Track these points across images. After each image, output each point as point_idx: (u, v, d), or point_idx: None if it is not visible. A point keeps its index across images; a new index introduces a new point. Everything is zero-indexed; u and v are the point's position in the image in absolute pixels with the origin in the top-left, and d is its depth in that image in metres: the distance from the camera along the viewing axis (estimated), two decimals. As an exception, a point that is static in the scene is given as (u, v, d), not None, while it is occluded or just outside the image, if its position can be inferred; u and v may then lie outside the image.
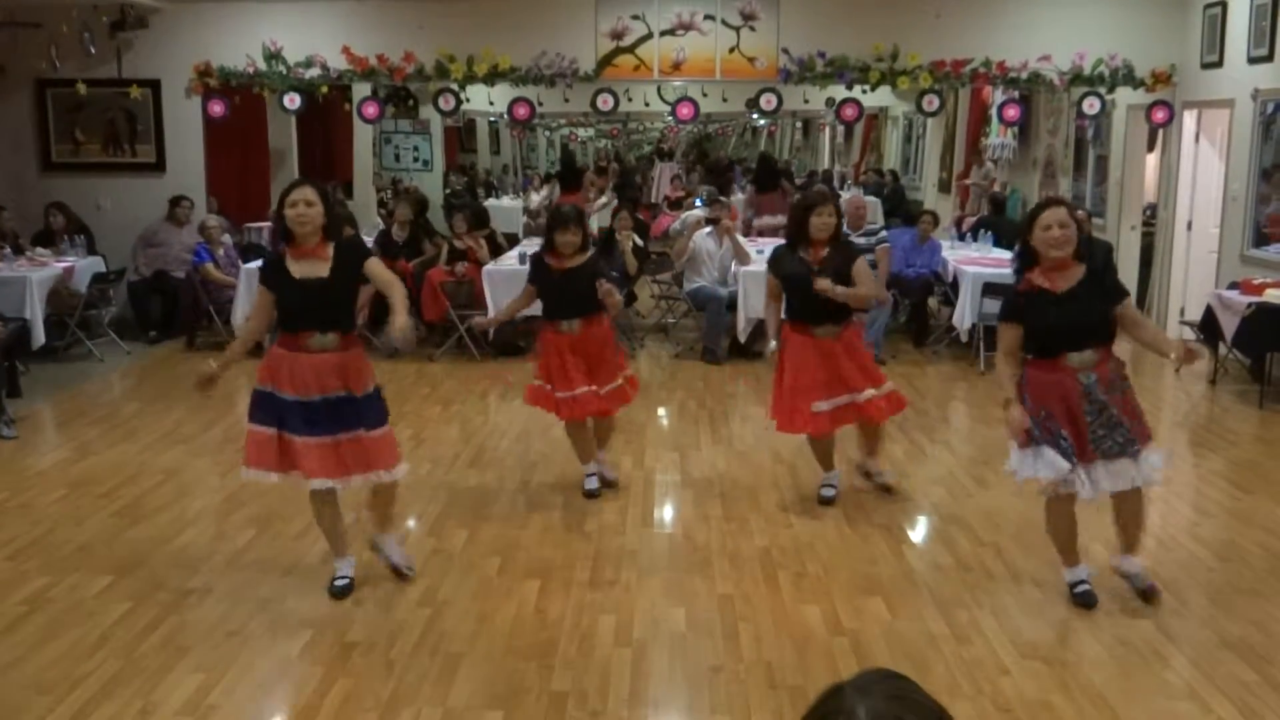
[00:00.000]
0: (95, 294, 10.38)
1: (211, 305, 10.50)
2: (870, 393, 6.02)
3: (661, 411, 8.56)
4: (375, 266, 5.03)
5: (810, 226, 5.96)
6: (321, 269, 4.85)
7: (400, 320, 4.87)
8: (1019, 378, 4.82)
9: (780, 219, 13.41)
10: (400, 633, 4.67)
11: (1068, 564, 5.04)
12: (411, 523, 6.01)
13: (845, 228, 10.30)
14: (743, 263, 10.19)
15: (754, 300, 10.00)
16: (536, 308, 6.44)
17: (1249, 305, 8.47)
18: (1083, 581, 5.00)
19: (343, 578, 5.09)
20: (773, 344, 6.20)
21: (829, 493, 6.30)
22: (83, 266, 10.44)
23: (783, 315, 6.21)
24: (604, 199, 14.64)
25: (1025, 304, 4.80)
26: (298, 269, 4.86)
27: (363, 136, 15.24)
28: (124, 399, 8.92)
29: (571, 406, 6.17)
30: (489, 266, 10.25)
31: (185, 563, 5.41)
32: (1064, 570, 5.05)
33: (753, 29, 11.33)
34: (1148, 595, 4.97)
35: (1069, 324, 4.72)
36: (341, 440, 4.89)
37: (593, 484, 6.38)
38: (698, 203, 14.79)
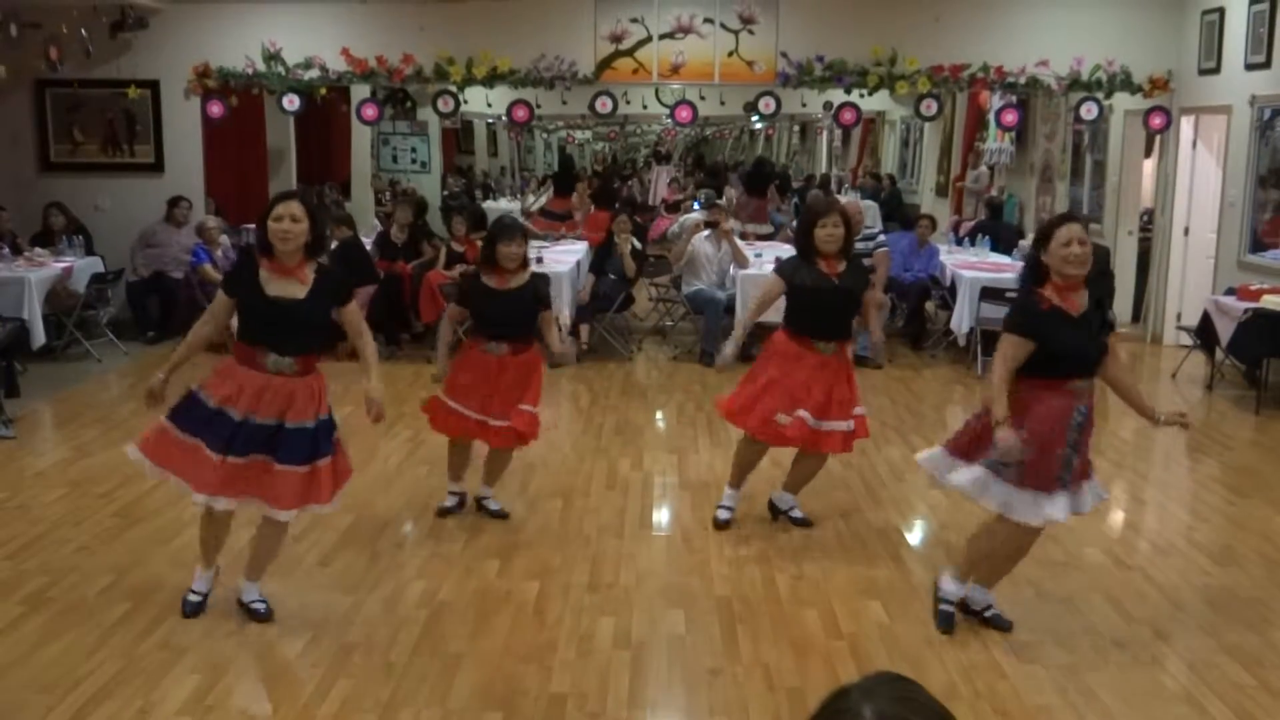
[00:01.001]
0: (93, 294, 10.38)
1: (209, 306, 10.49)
2: (836, 425, 5.67)
3: (659, 414, 8.58)
4: (352, 315, 4.82)
5: (815, 239, 5.66)
6: (298, 290, 4.57)
7: (375, 393, 4.76)
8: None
9: (765, 227, 13.41)
10: (400, 634, 4.68)
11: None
12: (409, 525, 6.01)
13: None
14: (741, 266, 10.22)
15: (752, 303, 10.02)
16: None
17: (1246, 311, 8.49)
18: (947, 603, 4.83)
19: (195, 595, 4.89)
20: (728, 351, 5.90)
21: (724, 515, 6.03)
22: (81, 267, 10.43)
23: (781, 324, 5.93)
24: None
25: (1042, 321, 4.44)
26: (273, 286, 4.55)
27: (361, 138, 15.24)
28: (122, 399, 8.92)
29: (456, 424, 5.87)
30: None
31: (184, 563, 5.40)
32: (972, 585, 4.83)
33: (751, 33, 11.35)
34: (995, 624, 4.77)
35: (1088, 350, 4.48)
36: (253, 462, 4.55)
37: (450, 502, 6.14)
38: (696, 206, 14.83)
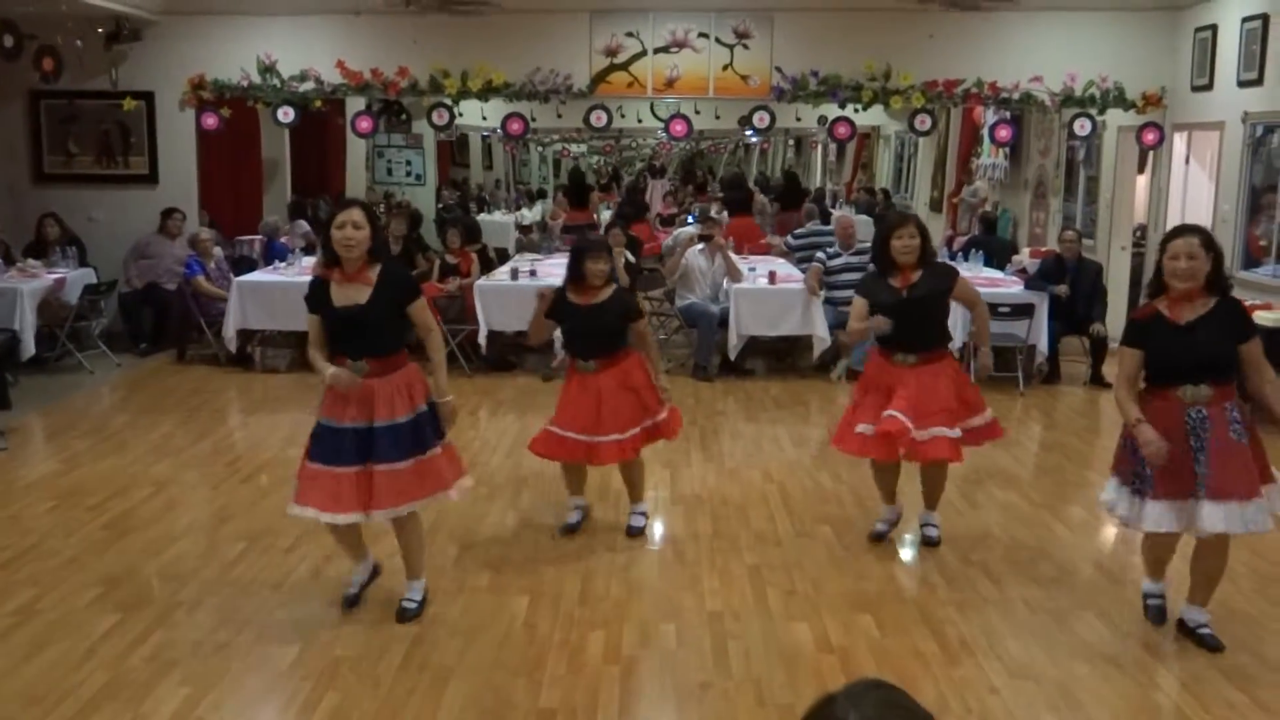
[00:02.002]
0: (86, 305, 10.37)
1: (203, 318, 10.48)
2: (937, 430, 5.52)
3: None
4: (417, 312, 4.86)
5: (893, 251, 5.57)
6: (361, 294, 4.69)
7: (445, 397, 4.88)
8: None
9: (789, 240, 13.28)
10: (389, 647, 4.66)
11: (1149, 575, 5.02)
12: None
13: (837, 247, 10.43)
14: (735, 280, 10.22)
15: (745, 317, 10.04)
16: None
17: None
18: (1156, 596, 5.01)
19: (353, 587, 5.11)
20: (843, 363, 5.81)
21: (881, 529, 6.03)
22: (74, 278, 10.42)
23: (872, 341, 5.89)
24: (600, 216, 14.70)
25: (1144, 329, 4.67)
26: (339, 295, 4.71)
27: (355, 150, 15.28)
28: (114, 411, 8.90)
29: (586, 451, 5.82)
30: (480, 282, 10.26)
31: (175, 575, 5.40)
32: (1144, 580, 5.05)
33: (746, 47, 11.38)
34: (1207, 644, 4.75)
35: (1186, 356, 4.57)
36: (372, 470, 4.71)
37: (573, 518, 6.14)
38: (690, 219, 14.84)
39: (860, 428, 5.64)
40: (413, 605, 4.97)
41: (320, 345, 4.82)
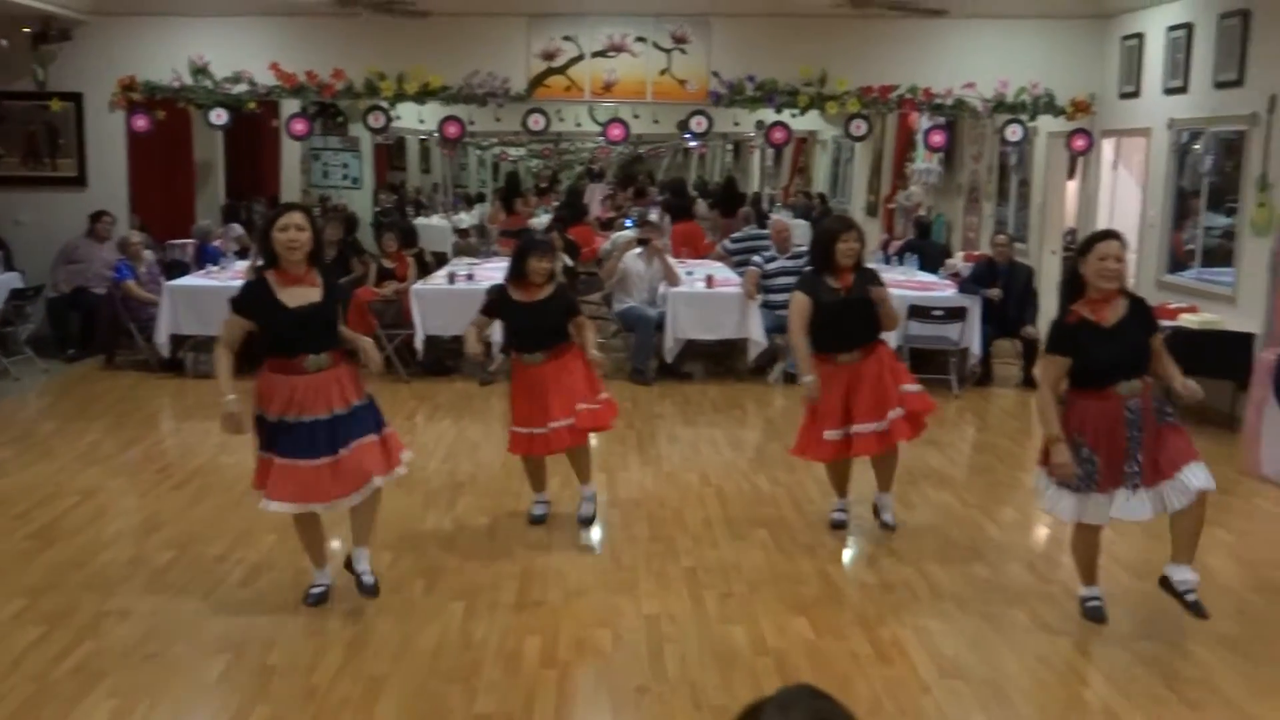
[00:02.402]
0: (12, 310, 10.15)
1: (133, 323, 10.31)
2: (893, 415, 5.89)
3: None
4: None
5: (836, 254, 5.86)
6: (313, 294, 4.85)
7: (371, 353, 5.17)
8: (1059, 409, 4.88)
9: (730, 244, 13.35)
10: (322, 656, 4.61)
11: (1085, 582, 5.13)
12: (336, 544, 5.92)
13: (773, 250, 10.50)
14: (672, 284, 10.24)
15: (683, 321, 10.07)
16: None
17: (1164, 329, 8.66)
18: (1094, 599, 5.10)
19: (319, 586, 5.14)
20: (809, 379, 5.94)
21: (840, 517, 6.26)
22: (0, 282, 10.20)
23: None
24: (540, 219, 14.65)
25: (1073, 336, 4.81)
26: (289, 296, 4.81)
27: (291, 153, 15.12)
28: (40, 418, 8.73)
29: (546, 441, 6.01)
30: (417, 286, 10.20)
31: (102, 585, 5.30)
32: (1080, 587, 5.14)
33: (684, 52, 11.42)
34: (1194, 610, 4.88)
35: (1121, 357, 4.78)
36: (341, 456, 4.86)
37: (539, 510, 6.30)
38: (628, 223, 14.84)
39: (829, 435, 5.89)
40: (372, 576, 5.03)
41: (233, 347, 4.92)
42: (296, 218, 4.81)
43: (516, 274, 6.00)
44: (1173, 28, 9.85)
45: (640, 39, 11.40)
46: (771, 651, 4.74)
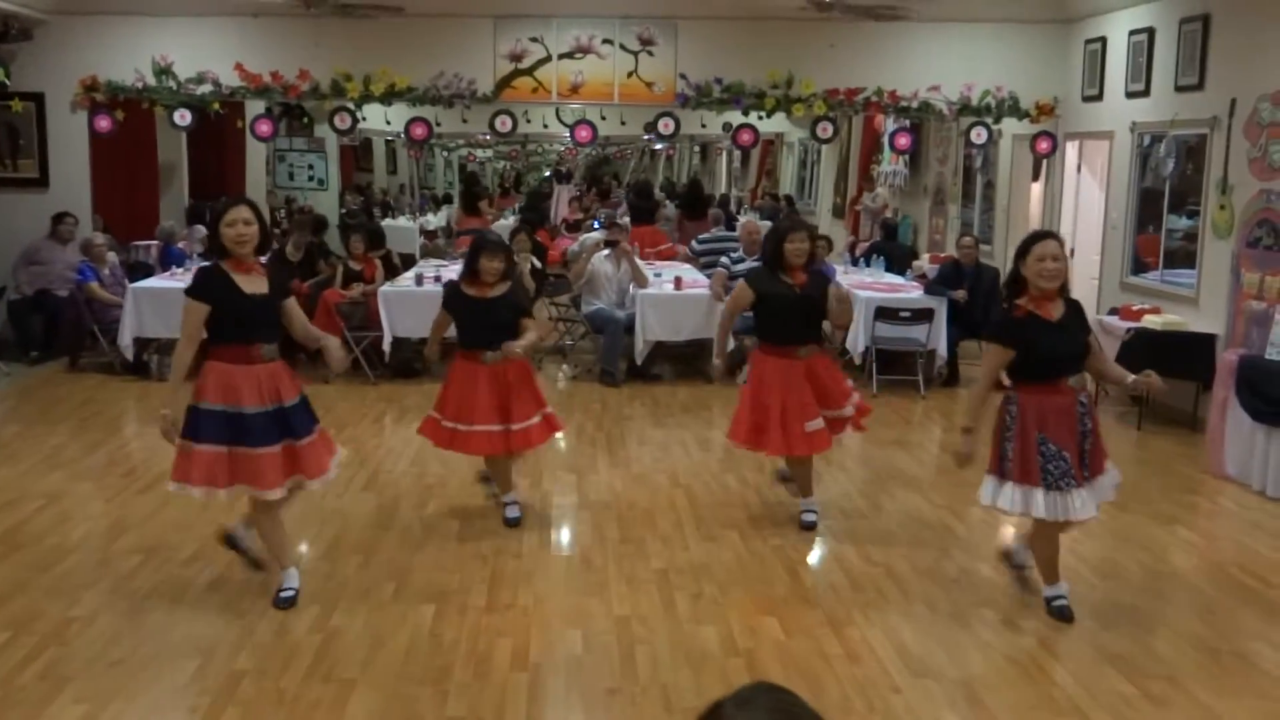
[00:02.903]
0: (-27, 313, 10.03)
1: (96, 325, 10.21)
2: (850, 408, 6.27)
3: (558, 434, 8.53)
4: (290, 306, 5.22)
5: (785, 253, 6.08)
6: (262, 285, 4.97)
7: (337, 352, 5.41)
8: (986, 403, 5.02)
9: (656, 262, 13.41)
10: (292, 659, 4.58)
11: (1049, 581, 5.20)
12: (304, 547, 5.91)
13: (741, 252, 10.53)
14: (640, 285, 10.25)
15: (651, 323, 10.08)
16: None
17: (1128, 330, 8.77)
18: (1060, 596, 5.16)
19: (289, 589, 5.13)
20: (717, 363, 6.23)
21: (812, 518, 6.35)
22: (-41, 284, 10.08)
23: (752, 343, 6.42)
24: (507, 221, 14.61)
25: (1021, 330, 4.91)
26: (245, 283, 4.92)
27: (255, 154, 15.00)
28: (3, 421, 8.62)
29: (476, 441, 6.09)
30: (384, 288, 10.16)
31: (67, 590, 5.24)
32: (1044, 587, 5.21)
33: (651, 54, 11.44)
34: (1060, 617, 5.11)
35: (1069, 350, 4.93)
36: (291, 446, 5.00)
37: (513, 512, 6.31)
38: (595, 225, 14.84)
39: (812, 424, 6.07)
40: (292, 592, 5.11)
41: (196, 340, 4.97)
42: (244, 212, 4.90)
43: (470, 272, 6.14)
44: (1134, 32, 9.96)
45: (607, 41, 11.41)
46: (742, 652, 4.75)
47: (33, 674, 4.43)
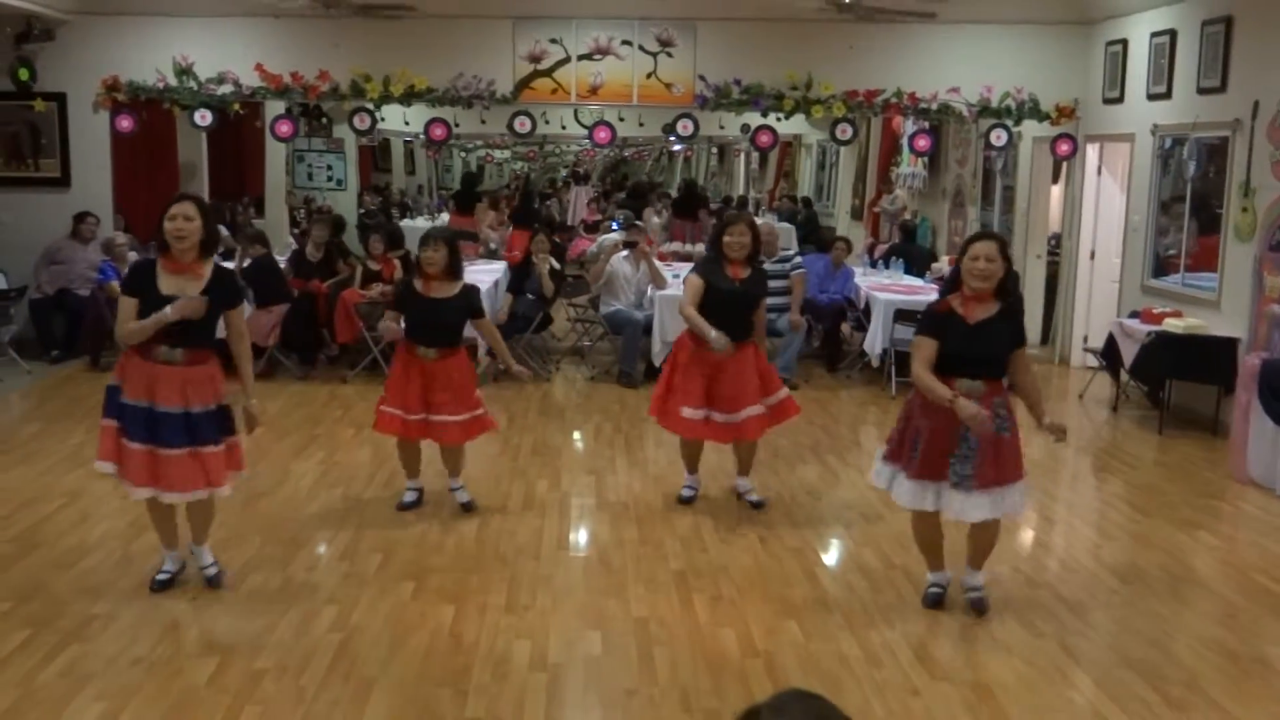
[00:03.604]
0: (-5, 312, 10.10)
1: (117, 324, 10.24)
2: (750, 411, 6.32)
3: (577, 435, 8.56)
4: (236, 319, 5.14)
5: (724, 245, 6.30)
6: (192, 288, 4.92)
7: (251, 402, 5.17)
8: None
9: (691, 247, 13.62)
10: (312, 658, 4.60)
11: (930, 568, 5.30)
12: (323, 547, 5.92)
13: (761, 254, 10.51)
14: (659, 286, 10.25)
15: (669, 324, 10.05)
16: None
17: (1148, 333, 8.72)
18: (937, 585, 5.28)
19: (165, 573, 5.28)
20: (715, 333, 6.27)
21: (689, 493, 6.69)
22: (-19, 283, 10.15)
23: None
24: (497, 233, 14.65)
25: (940, 322, 4.99)
26: (168, 284, 4.91)
27: (275, 154, 15.05)
28: (24, 420, 8.67)
29: (397, 422, 6.22)
30: (404, 288, 10.17)
31: (88, 589, 5.27)
32: (928, 574, 5.32)
33: (670, 55, 11.44)
34: (976, 608, 5.17)
35: (971, 353, 4.92)
36: (159, 453, 4.94)
37: (410, 498, 6.50)
38: (614, 226, 14.85)
39: (687, 412, 6.29)
40: (215, 570, 5.26)
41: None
42: (187, 207, 4.92)
43: (416, 264, 6.33)
44: (1156, 34, 9.91)
45: (626, 42, 11.41)
46: (761, 654, 4.74)
47: (53, 672, 4.44)
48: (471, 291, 6.41)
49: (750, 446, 6.60)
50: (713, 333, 6.22)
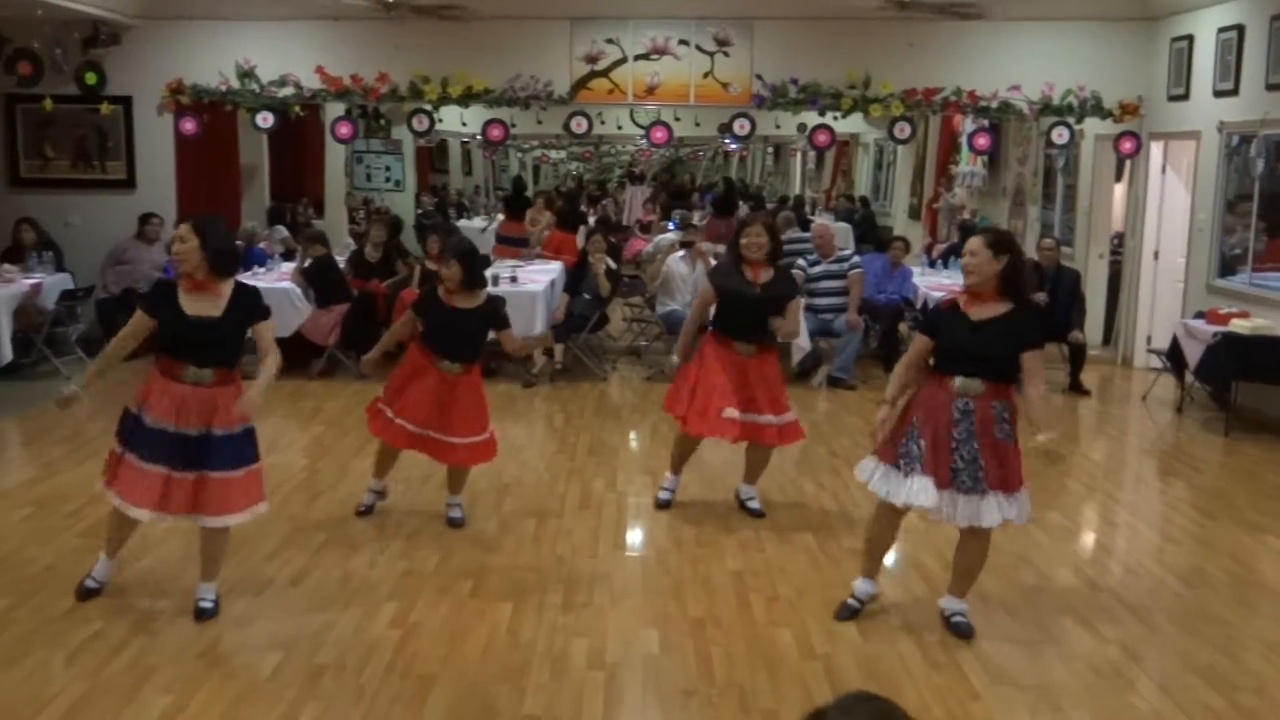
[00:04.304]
0: (63, 311, 10.29)
1: (181, 323, 10.40)
2: (769, 419, 6.28)
3: (633, 434, 8.57)
4: (263, 331, 5.04)
5: (740, 247, 6.22)
6: (214, 308, 4.86)
7: (252, 393, 4.85)
8: (907, 386, 4.93)
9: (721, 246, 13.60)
10: (371, 655, 4.64)
11: (864, 573, 5.10)
12: (382, 544, 5.97)
13: (816, 254, 10.47)
14: (715, 287, 10.22)
15: (726, 324, 10.04)
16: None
17: (1214, 334, 8.57)
18: (861, 598, 5.10)
19: (94, 581, 5.19)
20: (674, 359, 6.36)
21: (665, 496, 6.63)
22: (50, 283, 10.35)
23: (708, 326, 6.45)
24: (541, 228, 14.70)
25: (939, 319, 4.92)
26: (190, 304, 4.84)
27: (334, 155, 15.22)
28: (90, 417, 8.81)
29: (403, 435, 6.06)
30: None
31: (154, 583, 5.36)
32: (857, 579, 5.12)
33: (726, 55, 11.42)
34: (962, 633, 4.91)
35: (969, 350, 4.74)
36: (174, 477, 4.81)
37: (369, 499, 6.40)
38: (671, 226, 14.86)
39: (729, 413, 6.13)
40: (210, 605, 5.00)
41: (129, 340, 5.03)
42: (183, 228, 4.88)
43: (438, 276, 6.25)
44: (1223, 29, 9.73)
45: (683, 42, 11.41)
46: (819, 656, 4.72)
47: (120, 664, 4.52)
48: (496, 302, 6.32)
49: (764, 454, 6.50)
50: (674, 357, 6.46)
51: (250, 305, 4.97)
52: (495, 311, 6.24)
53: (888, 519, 4.99)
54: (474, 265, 6.18)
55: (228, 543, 5.10)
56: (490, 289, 10.14)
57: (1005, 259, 4.72)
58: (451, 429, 6.01)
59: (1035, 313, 4.95)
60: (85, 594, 5.14)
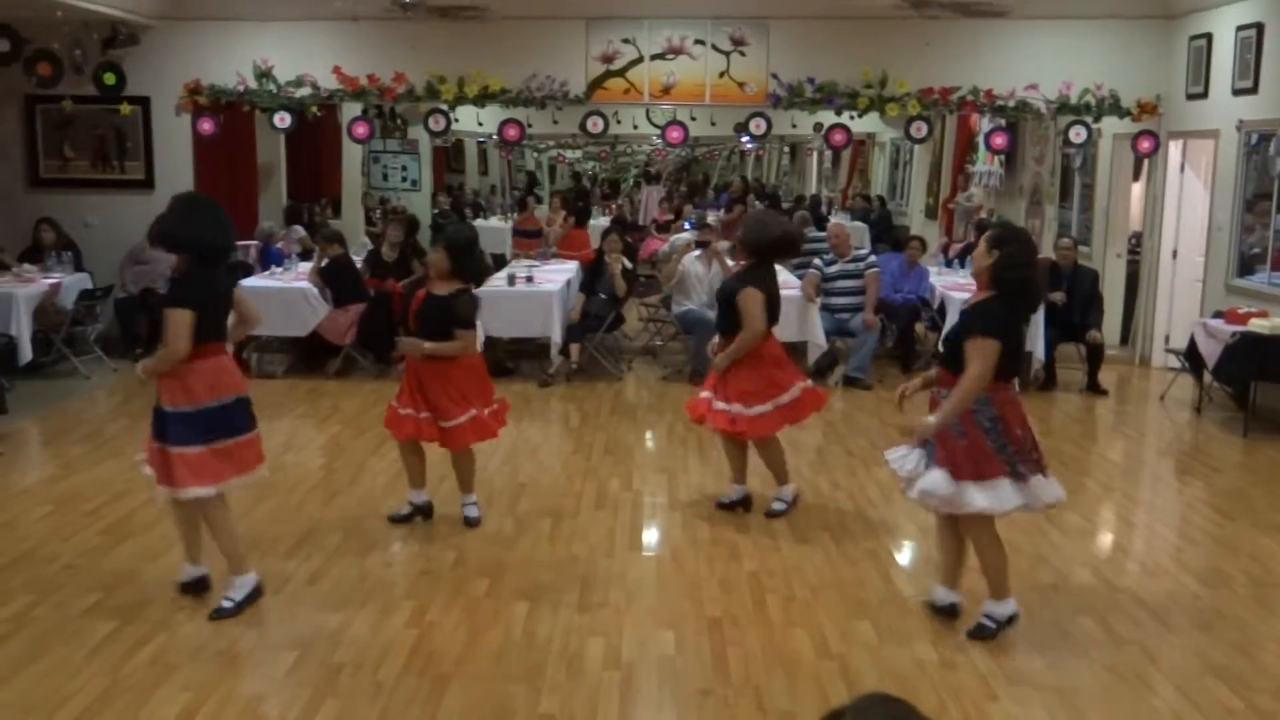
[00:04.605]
0: (82, 311, 10.36)
1: (199, 323, 10.44)
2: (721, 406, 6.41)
3: (649, 434, 8.57)
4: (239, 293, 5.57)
5: None
6: None
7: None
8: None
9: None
10: (388, 653, 4.66)
11: (1000, 596, 4.93)
12: (399, 544, 6.00)
13: (832, 254, 10.46)
14: (731, 286, 10.21)
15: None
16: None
17: (1233, 334, 8.53)
18: (993, 618, 4.94)
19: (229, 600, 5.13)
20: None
21: (779, 506, 6.58)
22: (70, 283, 10.41)
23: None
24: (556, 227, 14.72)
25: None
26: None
27: (351, 155, 15.26)
28: (110, 416, 8.88)
29: (398, 424, 6.10)
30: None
31: (174, 581, 5.38)
32: (996, 602, 4.92)
33: (743, 54, 11.41)
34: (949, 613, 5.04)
35: (944, 338, 4.90)
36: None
37: (405, 510, 6.31)
38: (687, 225, 14.85)
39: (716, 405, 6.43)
40: (230, 605, 5.06)
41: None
42: None
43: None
44: (1242, 27, 9.68)
45: (699, 41, 11.41)
46: (835, 656, 4.72)
47: (140, 662, 4.55)
48: (462, 295, 6.03)
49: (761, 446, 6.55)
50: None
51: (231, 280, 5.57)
52: (453, 306, 5.97)
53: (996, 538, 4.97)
54: (462, 256, 6.07)
55: (226, 530, 5.18)
56: (508, 288, 10.25)
57: (997, 254, 4.75)
58: (434, 411, 6.03)
59: (1006, 305, 4.72)
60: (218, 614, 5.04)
